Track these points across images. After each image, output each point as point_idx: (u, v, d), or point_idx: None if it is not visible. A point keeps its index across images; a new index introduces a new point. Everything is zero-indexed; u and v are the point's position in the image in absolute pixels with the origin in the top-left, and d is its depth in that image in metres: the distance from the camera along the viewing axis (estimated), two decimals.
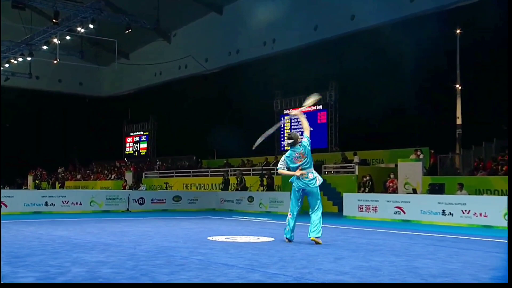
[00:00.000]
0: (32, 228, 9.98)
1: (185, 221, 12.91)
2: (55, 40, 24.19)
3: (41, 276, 4.57)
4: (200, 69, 32.47)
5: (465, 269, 5.49)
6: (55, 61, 25.56)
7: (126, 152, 39.05)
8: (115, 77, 39.67)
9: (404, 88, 22.76)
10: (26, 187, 35.66)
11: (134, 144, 38.45)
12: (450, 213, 14.31)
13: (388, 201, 15.83)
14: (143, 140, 37.66)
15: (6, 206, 16.46)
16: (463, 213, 14.04)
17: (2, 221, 11.87)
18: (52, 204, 17.16)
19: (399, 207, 15.50)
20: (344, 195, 17.37)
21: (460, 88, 20.44)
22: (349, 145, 25.71)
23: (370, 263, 5.73)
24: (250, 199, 19.51)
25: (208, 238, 8.22)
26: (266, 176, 20.91)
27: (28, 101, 37.50)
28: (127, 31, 22.95)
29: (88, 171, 37.15)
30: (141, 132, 37.98)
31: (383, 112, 23.61)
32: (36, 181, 35.03)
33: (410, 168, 19.55)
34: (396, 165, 20.17)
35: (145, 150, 37.38)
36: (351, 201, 16.79)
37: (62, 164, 39.54)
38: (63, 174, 36.90)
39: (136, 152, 38.15)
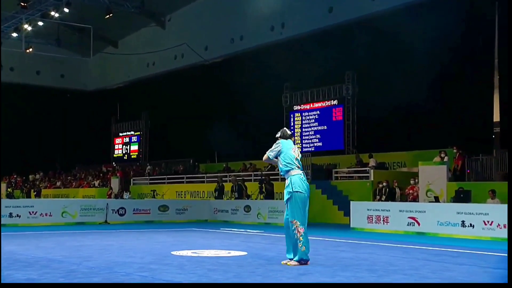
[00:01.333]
0: None
1: (162, 234, 13.23)
2: (26, 26, 24.64)
3: None
4: (199, 58, 32.71)
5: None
6: (28, 51, 26.01)
7: (114, 155, 39.48)
8: (101, 68, 40.20)
9: (430, 80, 22.82)
10: None
11: (124, 146, 38.87)
12: (470, 224, 14.39)
13: (400, 211, 15.94)
14: (134, 142, 38.03)
15: None
16: (485, 224, 14.11)
17: None
18: (17, 215, 17.54)
19: (413, 218, 15.62)
20: (352, 204, 17.52)
21: (498, 78, 19.97)
22: (367, 146, 25.69)
23: (334, 279, 5.97)
24: (247, 208, 19.77)
25: (172, 252, 8.51)
26: (265, 182, 21.13)
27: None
28: (107, 16, 23.33)
29: (69, 177, 37.69)
30: (132, 132, 38.34)
31: (406, 108, 23.67)
32: (9, 189, 35.64)
33: (433, 173, 19.57)
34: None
35: (136, 153, 37.77)
36: (360, 211, 16.94)
37: (40, 169, 40.18)
38: (40, 181, 37.48)
39: (126, 155, 38.58)
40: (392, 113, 24.21)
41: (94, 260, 7.56)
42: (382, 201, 20.15)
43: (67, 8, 23.06)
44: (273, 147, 7.84)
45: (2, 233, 13.44)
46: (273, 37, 30.01)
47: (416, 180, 19.93)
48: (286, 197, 7.48)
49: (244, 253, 8.64)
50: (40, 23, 25.29)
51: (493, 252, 9.67)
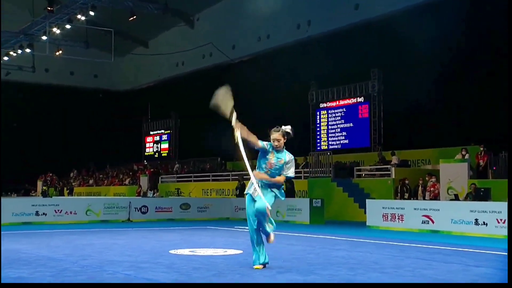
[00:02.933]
0: None
1: (172, 232, 13.59)
2: (54, 29, 25.44)
3: None
4: (226, 57, 33.09)
5: (376, 280, 5.87)
6: (58, 53, 26.82)
7: (145, 154, 40.22)
8: (133, 68, 40.95)
9: (458, 74, 22.67)
10: (34, 193, 37.48)
11: (155, 145, 39.54)
12: (483, 222, 14.36)
13: (415, 209, 15.97)
14: (164, 140, 38.64)
15: None
16: (498, 222, 14.07)
17: None
18: (43, 213, 18.20)
19: (427, 216, 15.63)
20: (367, 202, 17.60)
21: None
22: (393, 143, 25.63)
23: (306, 277, 6.20)
24: None
25: (170, 251, 8.83)
26: (286, 181, 21.29)
27: (35, 97, 39.26)
28: (131, 18, 23.87)
29: (101, 176, 38.58)
30: (162, 131, 38.94)
31: (431, 105, 23.56)
32: (44, 187, 36.71)
33: (454, 170, 19.49)
34: None
35: (167, 151, 38.37)
36: (375, 209, 17.03)
37: (75, 167, 41.29)
38: (74, 179, 38.47)
39: (156, 154, 39.24)
40: (418, 110, 24.16)
41: (91, 258, 7.94)
42: (404, 199, 20.18)
43: (93, 12, 23.64)
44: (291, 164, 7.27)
45: (25, 231, 14.08)
46: (299, 35, 30.09)
47: (434, 178, 19.87)
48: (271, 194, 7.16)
49: (240, 251, 8.91)
50: (68, 26, 25.98)
51: (491, 251, 9.71)
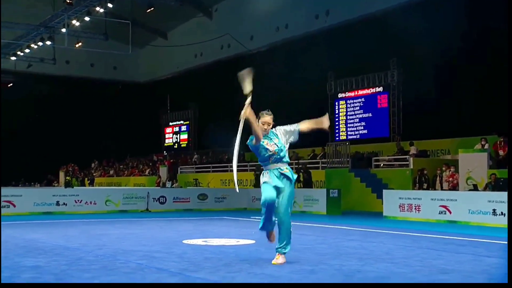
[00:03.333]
0: (11, 230, 11.11)
1: (190, 222, 13.75)
2: (74, 22, 25.73)
3: None
4: (244, 48, 33.13)
5: (392, 273, 5.89)
6: (77, 45, 27.11)
7: (165, 144, 40.54)
8: (152, 60, 41.16)
9: (478, 63, 22.48)
10: (56, 184, 38.03)
11: (174, 135, 39.79)
12: (501, 212, 14.30)
13: (432, 199, 15.95)
14: (184, 131, 38.88)
15: (14, 206, 18.01)
16: None
17: (3, 222, 13.23)
18: (64, 203, 18.52)
19: (444, 206, 15.60)
20: (384, 192, 17.59)
21: None
22: (412, 133, 25.52)
23: (315, 267, 6.27)
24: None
25: (183, 241, 8.95)
26: (302, 171, 21.36)
27: (57, 89, 39.76)
28: (148, 10, 24.00)
29: (122, 166, 38.99)
30: (181, 122, 39.20)
31: (454, 94, 23.39)
32: (67, 178, 37.23)
33: (474, 160, 19.35)
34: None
35: (186, 142, 38.62)
36: (392, 199, 17.01)
37: (96, 157, 41.79)
38: (95, 170, 38.91)
39: (176, 144, 39.50)
40: (437, 100, 24.01)
41: (106, 248, 8.08)
42: (423, 189, 20.11)
43: (111, 4, 23.84)
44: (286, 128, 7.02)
45: (45, 221, 14.35)
46: (317, 25, 30.00)
47: (453, 169, 19.77)
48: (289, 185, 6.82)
49: (253, 241, 8.99)
50: (87, 19, 26.25)
51: (507, 241, 9.66)
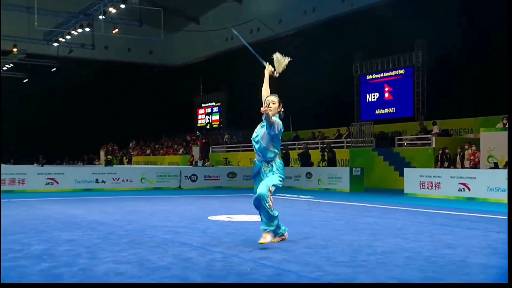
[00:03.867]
0: (54, 206, 11.53)
1: (217, 199, 14.01)
2: (110, 9, 26.10)
3: None
4: (272, 31, 33.12)
5: (400, 247, 5.99)
6: (114, 31, 27.48)
7: (198, 125, 40.93)
8: (185, 44, 41.41)
9: (505, 42, 22.07)
10: (97, 162, 38.82)
11: (206, 116, 40.15)
12: None
13: (452, 177, 15.88)
14: (215, 112, 39.21)
15: (57, 183, 18.57)
16: None
17: (47, 198, 13.73)
18: (102, 181, 19.00)
19: (463, 184, 15.53)
20: (405, 170, 17.56)
21: None
22: (436, 113, 25.30)
23: (328, 242, 6.41)
24: (309, 175, 20.20)
25: (209, 217, 9.19)
26: (327, 150, 21.40)
27: (97, 73, 40.37)
28: None
29: (157, 146, 39.54)
30: (213, 103, 39.51)
31: (477, 73, 23.08)
32: (109, 157, 37.95)
33: (495, 139, 19.13)
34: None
35: (218, 122, 38.95)
36: (413, 177, 16.99)
37: (134, 137, 42.46)
38: (132, 149, 39.51)
39: (208, 125, 39.85)
40: (461, 79, 23.76)
41: (136, 223, 8.36)
42: (444, 167, 19.99)
43: None
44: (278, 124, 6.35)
45: (85, 197, 14.76)
46: (344, 8, 29.79)
47: (474, 147, 19.59)
48: (273, 175, 6.33)
49: None
50: (122, 6, 26.60)
51: None
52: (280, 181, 6.35)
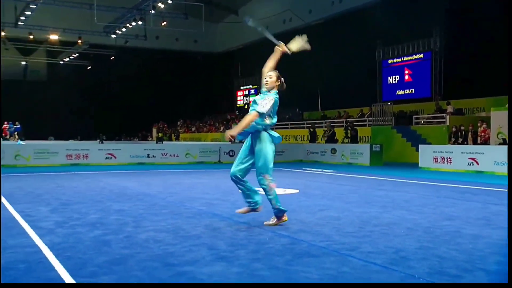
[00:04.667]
0: (110, 179, 11.91)
1: (250, 174, 14.13)
2: (159, 4, 26.39)
3: (59, 221, 6.06)
4: (303, 21, 32.91)
5: (403, 219, 6.03)
6: (163, 24, 27.78)
7: (237, 105, 41.17)
8: (225, 33, 41.50)
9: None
10: (150, 138, 39.53)
11: (244, 98, 40.32)
12: None
13: (462, 153, 15.69)
14: (252, 94, 39.31)
15: (115, 157, 19.09)
16: None
17: (106, 171, 14.18)
18: (153, 156, 19.43)
19: (472, 159, 15.33)
20: (420, 146, 17.39)
21: None
22: (452, 93, 24.93)
23: (340, 214, 6.51)
24: (333, 151, 20.19)
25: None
26: (350, 128, 21.29)
27: (149, 60, 40.92)
28: None
29: (202, 124, 39.96)
30: (250, 86, 39.65)
31: (491, 56, 22.55)
32: (160, 134, 38.59)
33: (504, 117, 18.74)
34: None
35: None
36: (427, 153, 16.83)
37: (181, 117, 42.99)
38: (180, 127, 39.98)
39: (246, 105, 40.00)
40: (475, 62, 23.33)
41: (176, 195, 8.62)
42: (458, 143, 19.69)
43: None
44: (268, 101, 5.55)
45: (138, 171, 15.16)
46: None
47: (485, 125, 19.21)
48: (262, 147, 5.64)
49: (297, 191, 9.30)
50: (170, 1, 26.87)
51: None
52: (268, 154, 5.64)
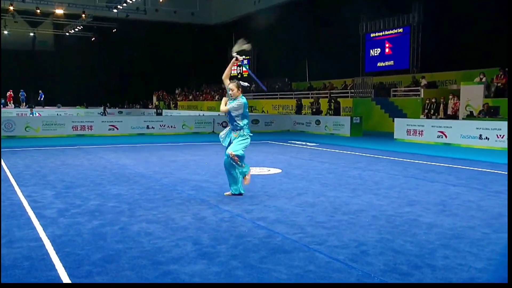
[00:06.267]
0: (112, 155, 11.99)
1: None
2: None
3: (62, 208, 6.19)
4: None
5: (370, 205, 6.20)
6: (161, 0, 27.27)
7: (231, 75, 40.90)
8: (221, 6, 40.77)
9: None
10: (150, 105, 39.38)
11: (238, 67, 39.93)
12: (486, 137, 14.14)
13: (432, 126, 15.85)
14: (245, 64, 38.95)
15: (117, 129, 19.13)
16: (498, 137, 13.82)
17: (110, 145, 14.26)
18: (152, 127, 19.48)
19: (441, 132, 15.49)
20: (395, 120, 17.51)
21: None
22: (428, 66, 24.90)
23: (316, 199, 6.66)
24: (318, 122, 20.30)
25: None
26: (333, 101, 21.34)
27: (149, 32, 40.31)
28: None
29: (198, 93, 39.77)
30: (244, 56, 39.24)
31: (465, 32, 22.46)
32: (156, 103, 38.45)
33: (473, 91, 18.86)
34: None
35: (246, 73, 38.79)
36: (401, 126, 16.98)
37: (179, 85, 42.72)
38: (178, 95, 39.80)
39: (239, 75, 39.74)
40: (451, 37, 23.28)
41: (170, 176, 8.72)
42: (430, 114, 19.82)
43: None
44: (236, 104, 6.56)
45: (137, 144, 15.21)
46: None
47: (456, 98, 19.32)
48: (238, 138, 6.71)
49: (279, 171, 9.44)
50: None
51: (477, 167, 9.72)
52: (244, 147, 6.68)
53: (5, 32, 40.10)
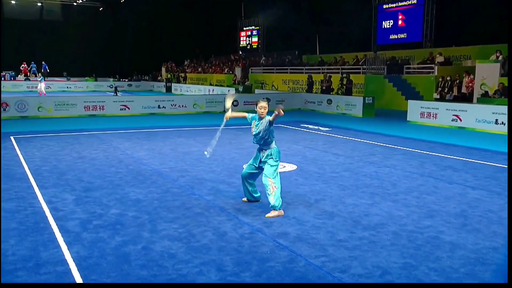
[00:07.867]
0: (126, 144, 11.96)
1: None
2: None
3: (84, 219, 6.22)
4: None
5: (391, 217, 6.17)
6: None
7: (240, 46, 40.34)
8: None
9: None
10: (160, 77, 39.10)
11: (247, 38, 39.43)
12: (502, 122, 13.96)
13: (447, 109, 15.65)
14: (255, 35, 38.44)
15: (129, 108, 19.08)
16: None
17: (119, 131, 14.24)
18: (163, 107, 19.40)
19: (456, 115, 15.31)
20: (409, 102, 17.31)
21: None
22: (443, 41, 24.39)
23: (326, 207, 6.64)
24: (329, 101, 20.10)
25: (244, 165, 9.43)
26: (345, 79, 21.04)
27: (157, 3, 39.65)
28: None
29: (207, 65, 39.37)
30: (253, 27, 38.66)
31: (483, 6, 21.90)
32: (169, 74, 38.09)
33: (488, 69, 18.53)
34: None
35: (256, 44, 38.31)
36: (415, 108, 16.77)
37: (188, 57, 42.29)
38: (187, 67, 39.46)
39: (249, 46, 39.25)
40: (466, 11, 22.71)
41: (186, 175, 8.65)
42: (444, 92, 19.53)
43: None
44: (266, 126, 6.37)
45: (148, 130, 15.15)
46: None
47: (472, 76, 19.01)
48: (270, 159, 6.44)
49: (295, 167, 9.39)
50: None
51: (494, 163, 9.62)
52: (276, 165, 6.44)
53: (12, 1, 39.64)
